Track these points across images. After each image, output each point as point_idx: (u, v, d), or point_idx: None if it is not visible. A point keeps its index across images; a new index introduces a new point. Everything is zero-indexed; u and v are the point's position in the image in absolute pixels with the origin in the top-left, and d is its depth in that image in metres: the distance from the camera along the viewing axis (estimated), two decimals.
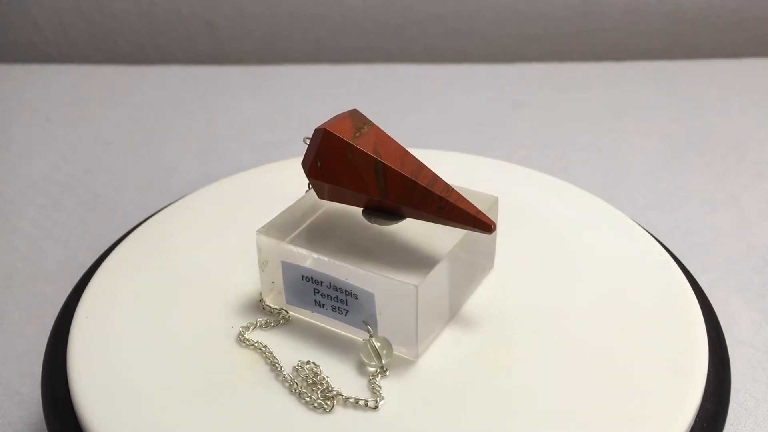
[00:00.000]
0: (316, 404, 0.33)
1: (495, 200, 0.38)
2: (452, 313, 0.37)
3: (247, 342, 0.36)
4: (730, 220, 0.61)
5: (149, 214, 0.48)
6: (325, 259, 0.35)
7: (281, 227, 0.37)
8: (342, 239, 0.36)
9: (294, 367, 0.35)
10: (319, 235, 0.37)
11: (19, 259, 0.57)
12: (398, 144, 0.35)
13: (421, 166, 0.35)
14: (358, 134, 0.35)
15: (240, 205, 0.45)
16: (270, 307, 0.38)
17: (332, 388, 0.34)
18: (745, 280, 0.54)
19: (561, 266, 0.40)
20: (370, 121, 0.36)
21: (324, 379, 0.34)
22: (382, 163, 0.34)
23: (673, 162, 0.69)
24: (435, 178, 0.34)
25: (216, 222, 0.44)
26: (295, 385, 0.34)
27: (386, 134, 0.36)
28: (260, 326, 0.37)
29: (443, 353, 0.36)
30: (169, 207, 0.46)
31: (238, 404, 0.33)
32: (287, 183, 0.45)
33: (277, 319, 0.37)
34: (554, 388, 0.33)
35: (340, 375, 0.34)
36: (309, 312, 0.37)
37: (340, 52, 0.92)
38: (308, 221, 0.38)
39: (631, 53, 0.91)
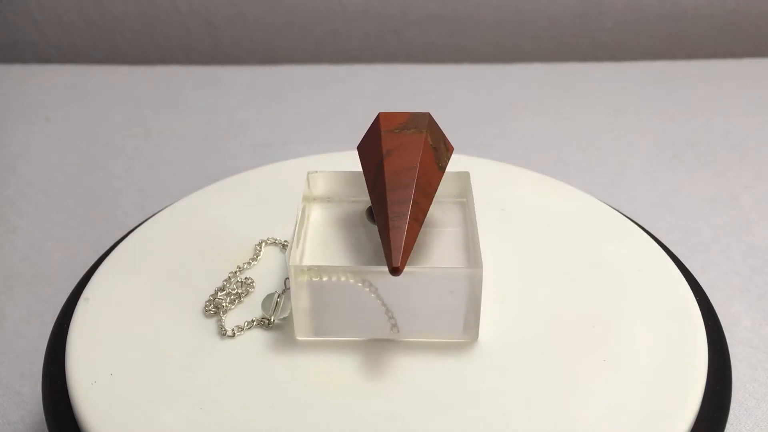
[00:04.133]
0: (205, 304, 0.37)
1: (478, 272, 0.33)
2: (371, 333, 0.35)
3: (257, 249, 0.41)
4: (730, 220, 0.61)
5: (149, 215, 0.48)
6: (299, 214, 0.37)
7: (323, 178, 0.39)
8: (348, 213, 0.38)
9: (240, 278, 0.39)
10: (338, 206, 0.39)
11: (19, 259, 0.57)
12: (419, 158, 0.35)
13: (408, 185, 0.33)
14: (397, 131, 0.36)
15: (240, 205, 0.45)
16: None
17: (226, 305, 0.36)
18: (745, 280, 0.54)
19: (559, 266, 0.40)
20: (426, 129, 0.36)
21: (237, 295, 0.37)
22: (382, 163, 0.34)
23: (673, 162, 0.69)
24: (406, 202, 0.33)
25: (216, 222, 0.44)
26: (222, 286, 0.38)
27: (425, 145, 0.35)
28: (279, 244, 0.41)
29: (329, 355, 0.34)
30: (169, 207, 0.46)
31: (183, 281, 0.39)
32: (287, 183, 0.45)
33: None
34: (552, 387, 0.33)
35: (255, 306, 0.37)
36: None
37: (340, 52, 0.92)
38: (346, 191, 0.39)
39: (631, 53, 0.91)
